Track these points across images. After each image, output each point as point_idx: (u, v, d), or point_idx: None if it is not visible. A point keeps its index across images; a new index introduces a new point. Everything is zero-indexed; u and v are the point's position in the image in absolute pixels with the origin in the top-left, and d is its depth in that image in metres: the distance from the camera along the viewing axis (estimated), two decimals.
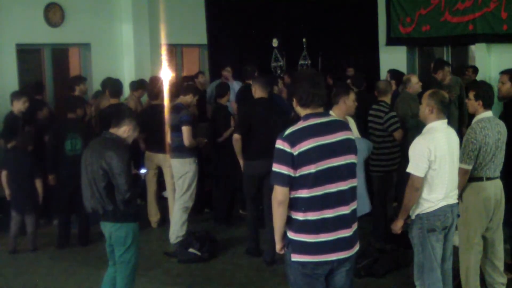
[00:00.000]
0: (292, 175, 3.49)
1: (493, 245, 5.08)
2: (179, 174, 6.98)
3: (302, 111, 3.65)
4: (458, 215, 4.62)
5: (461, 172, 4.71)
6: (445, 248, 4.51)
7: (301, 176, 3.49)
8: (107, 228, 4.83)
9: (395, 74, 8.56)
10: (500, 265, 5.14)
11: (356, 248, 3.70)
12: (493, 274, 5.11)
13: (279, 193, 3.53)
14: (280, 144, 3.53)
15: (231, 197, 7.96)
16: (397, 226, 4.56)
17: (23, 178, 6.87)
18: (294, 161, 3.48)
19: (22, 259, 6.74)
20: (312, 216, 3.52)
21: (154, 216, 7.79)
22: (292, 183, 3.51)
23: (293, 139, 3.50)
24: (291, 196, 3.54)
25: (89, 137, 7.00)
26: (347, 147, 3.62)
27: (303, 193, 3.51)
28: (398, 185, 6.75)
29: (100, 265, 5.91)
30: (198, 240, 6.57)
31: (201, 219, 7.98)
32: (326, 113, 3.68)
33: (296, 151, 3.47)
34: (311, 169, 3.48)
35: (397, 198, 6.93)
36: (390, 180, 6.75)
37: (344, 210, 3.58)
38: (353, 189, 3.64)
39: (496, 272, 5.11)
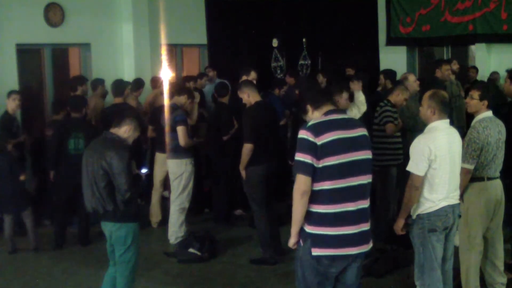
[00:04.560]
0: (315, 165, 3.50)
1: (493, 245, 5.08)
2: (175, 175, 6.94)
3: (319, 113, 3.71)
4: (459, 216, 4.61)
5: (463, 172, 4.70)
6: (446, 249, 4.50)
7: (324, 167, 3.50)
8: (108, 228, 4.84)
9: (388, 74, 8.46)
10: (500, 265, 5.13)
11: (371, 243, 3.74)
12: (493, 274, 5.10)
13: (303, 183, 3.51)
14: (303, 134, 3.55)
15: (230, 197, 7.95)
16: (398, 226, 4.56)
17: (3, 179, 6.75)
18: (318, 151, 3.49)
19: (22, 259, 6.73)
20: (333, 208, 3.53)
21: (155, 216, 7.77)
22: (315, 175, 3.51)
23: (317, 130, 3.53)
24: (313, 188, 3.53)
25: (92, 137, 7.02)
26: (365, 143, 3.70)
27: (326, 185, 3.52)
28: (399, 184, 6.73)
29: (100, 265, 5.90)
30: (198, 240, 6.56)
31: (201, 219, 7.98)
32: (344, 111, 3.77)
33: (319, 141, 3.50)
34: (333, 160, 3.51)
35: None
36: (389, 175, 6.72)
37: (364, 204, 3.64)
38: (370, 184, 3.71)
39: (496, 272, 5.10)
